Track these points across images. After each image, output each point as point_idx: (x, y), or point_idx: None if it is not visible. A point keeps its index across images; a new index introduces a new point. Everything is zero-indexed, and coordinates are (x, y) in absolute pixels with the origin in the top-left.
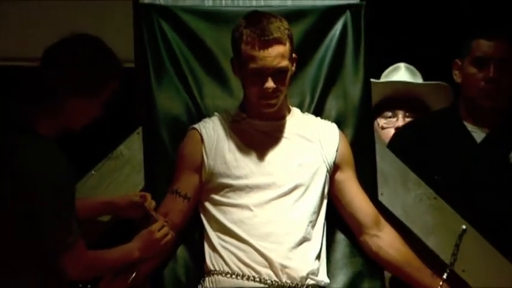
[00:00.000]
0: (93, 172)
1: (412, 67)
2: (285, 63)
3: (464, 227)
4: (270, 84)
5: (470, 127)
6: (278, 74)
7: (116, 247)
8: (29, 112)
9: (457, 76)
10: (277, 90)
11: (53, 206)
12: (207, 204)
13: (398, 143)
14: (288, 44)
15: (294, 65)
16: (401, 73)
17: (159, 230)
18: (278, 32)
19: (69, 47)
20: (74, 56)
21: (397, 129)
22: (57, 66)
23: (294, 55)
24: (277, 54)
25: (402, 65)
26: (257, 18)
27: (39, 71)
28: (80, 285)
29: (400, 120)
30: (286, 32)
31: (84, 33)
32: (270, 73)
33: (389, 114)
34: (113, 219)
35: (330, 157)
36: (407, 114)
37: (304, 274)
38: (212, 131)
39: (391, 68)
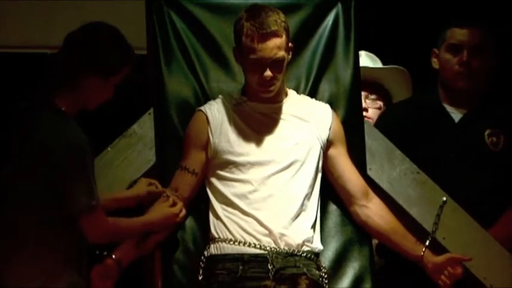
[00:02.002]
0: (109, 149)
1: (372, 54)
2: (281, 53)
3: (444, 198)
4: (268, 73)
5: (448, 108)
6: (275, 63)
7: (135, 217)
8: (52, 90)
9: (435, 63)
10: (274, 78)
11: (76, 172)
12: (213, 179)
13: (386, 123)
14: (284, 36)
15: (290, 53)
16: (362, 60)
17: (172, 206)
18: (275, 25)
19: (89, 32)
20: (92, 40)
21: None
22: (77, 49)
23: (290, 44)
24: (274, 46)
25: (363, 52)
26: (257, 12)
27: (61, 52)
28: (97, 251)
29: (362, 102)
30: (283, 24)
31: (102, 21)
32: (268, 63)
33: None
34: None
35: (324, 135)
36: (369, 96)
37: (301, 241)
38: (217, 112)
39: None
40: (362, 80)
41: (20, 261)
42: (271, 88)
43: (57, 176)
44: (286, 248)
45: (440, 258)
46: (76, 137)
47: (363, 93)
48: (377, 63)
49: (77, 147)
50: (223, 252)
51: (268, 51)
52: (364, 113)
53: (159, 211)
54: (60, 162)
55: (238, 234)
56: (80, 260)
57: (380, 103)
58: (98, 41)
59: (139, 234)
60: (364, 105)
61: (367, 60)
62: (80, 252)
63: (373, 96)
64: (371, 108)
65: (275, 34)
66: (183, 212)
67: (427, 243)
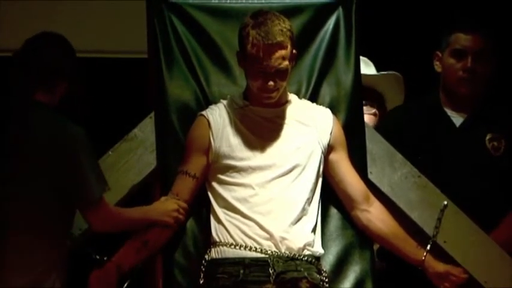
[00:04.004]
0: (110, 152)
1: (365, 58)
2: (285, 64)
3: (445, 202)
4: (271, 83)
5: (449, 112)
6: (279, 73)
7: (135, 207)
8: (31, 90)
9: (437, 66)
10: (278, 86)
11: (87, 160)
12: (214, 183)
13: (386, 126)
14: (289, 46)
15: (294, 60)
16: None
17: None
18: (281, 35)
19: (55, 40)
20: (67, 49)
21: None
22: (59, 52)
23: (294, 51)
24: (279, 57)
25: None
26: (262, 20)
27: (36, 55)
28: (97, 256)
29: (363, 105)
30: (288, 33)
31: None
32: (271, 72)
33: None
34: None
35: (325, 139)
36: (363, 102)
37: (302, 245)
38: (218, 117)
39: None
40: None
41: (13, 258)
42: (273, 95)
43: (68, 168)
44: (287, 252)
45: (441, 268)
46: (77, 128)
47: None
48: (371, 68)
49: (81, 137)
50: (224, 256)
51: (273, 62)
52: None
53: (161, 205)
54: (69, 154)
55: (239, 238)
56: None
57: (375, 110)
58: (70, 49)
59: (139, 225)
60: None
61: (361, 66)
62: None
63: (368, 103)
64: (366, 114)
65: (280, 46)
66: (181, 217)
67: (428, 247)
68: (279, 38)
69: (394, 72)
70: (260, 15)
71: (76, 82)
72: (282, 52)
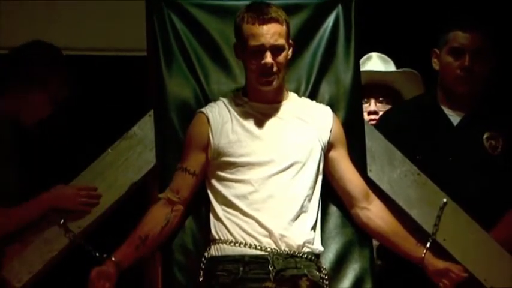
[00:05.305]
0: (109, 150)
1: (383, 55)
2: (282, 41)
3: (445, 200)
4: (269, 59)
5: (447, 111)
6: (276, 51)
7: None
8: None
9: (435, 64)
10: (275, 68)
11: None
12: (213, 180)
13: (384, 125)
14: (284, 26)
15: (291, 50)
16: (373, 62)
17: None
18: (276, 13)
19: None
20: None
21: (370, 113)
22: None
23: (290, 41)
24: (274, 32)
25: (374, 54)
26: (257, 4)
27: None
28: (97, 254)
29: (372, 105)
30: (284, 16)
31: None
32: (268, 48)
33: (363, 100)
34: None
35: (324, 137)
36: (380, 99)
37: (301, 243)
38: (218, 114)
39: (364, 57)
40: (373, 84)
41: None
42: (272, 78)
43: None
44: (286, 249)
45: (440, 265)
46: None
47: (374, 97)
48: (390, 65)
49: None
50: (223, 253)
51: (269, 37)
52: (374, 116)
53: (56, 191)
54: None
55: (239, 235)
56: None
57: (391, 106)
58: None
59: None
60: (374, 108)
61: (378, 62)
62: None
63: (384, 100)
64: (382, 111)
65: (276, 20)
66: (90, 200)
67: (427, 245)
68: (274, 14)
69: (411, 69)
70: (255, 3)
71: (56, 89)
72: (278, 28)
